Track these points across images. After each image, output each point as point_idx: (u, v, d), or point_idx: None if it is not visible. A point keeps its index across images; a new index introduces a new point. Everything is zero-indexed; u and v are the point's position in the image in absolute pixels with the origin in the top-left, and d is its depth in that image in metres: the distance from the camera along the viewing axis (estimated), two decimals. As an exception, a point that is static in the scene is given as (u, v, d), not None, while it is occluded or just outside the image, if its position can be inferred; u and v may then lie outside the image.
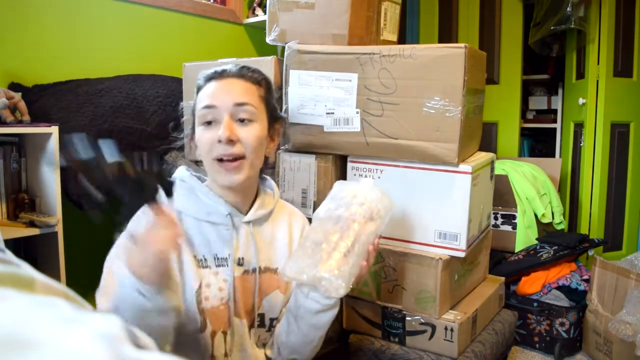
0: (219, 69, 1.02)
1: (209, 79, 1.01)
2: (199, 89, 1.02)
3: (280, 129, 1.09)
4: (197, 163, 1.07)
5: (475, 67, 1.28)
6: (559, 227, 2.38)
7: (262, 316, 1.03)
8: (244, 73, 1.01)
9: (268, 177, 1.13)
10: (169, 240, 0.78)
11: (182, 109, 1.12)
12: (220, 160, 0.95)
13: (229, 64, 1.04)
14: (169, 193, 0.79)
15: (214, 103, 0.96)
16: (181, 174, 1.04)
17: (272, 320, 1.05)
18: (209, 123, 0.96)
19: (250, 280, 1.01)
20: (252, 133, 0.97)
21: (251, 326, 1.02)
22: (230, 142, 0.94)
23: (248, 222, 1.02)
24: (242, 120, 0.96)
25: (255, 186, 1.05)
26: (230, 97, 0.97)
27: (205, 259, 0.97)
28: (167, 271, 0.81)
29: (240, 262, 1.00)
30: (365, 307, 1.40)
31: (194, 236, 0.98)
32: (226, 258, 0.98)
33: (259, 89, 1.01)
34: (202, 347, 0.95)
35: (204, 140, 0.96)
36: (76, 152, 0.71)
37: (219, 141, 0.94)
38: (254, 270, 1.01)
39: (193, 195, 1.00)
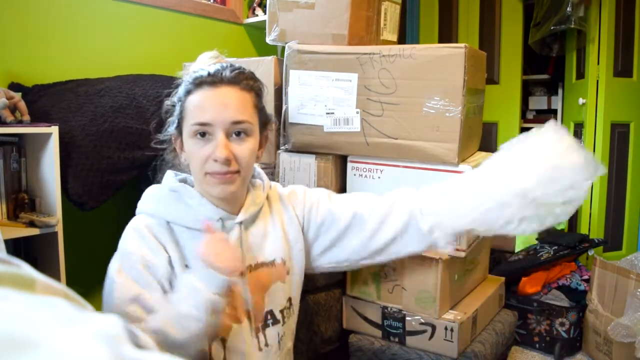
0: (212, 70, 0.92)
1: (201, 83, 0.91)
2: (188, 91, 0.93)
3: (268, 133, 1.04)
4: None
5: (475, 67, 1.28)
6: (559, 227, 2.38)
7: (271, 313, 1.01)
8: (239, 79, 0.93)
9: (255, 166, 1.07)
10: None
11: (171, 106, 1.00)
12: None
13: (225, 64, 0.96)
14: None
15: (208, 120, 0.89)
16: (170, 184, 0.98)
17: (281, 312, 1.03)
18: (202, 135, 0.90)
19: (246, 282, 0.98)
20: (247, 148, 0.92)
21: (265, 327, 0.99)
22: (227, 161, 0.89)
23: (240, 223, 0.98)
24: (237, 134, 0.91)
25: (245, 188, 1.01)
26: (227, 113, 0.89)
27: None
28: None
29: None
30: (365, 307, 1.40)
31: (185, 246, 0.94)
32: None
33: (253, 98, 0.95)
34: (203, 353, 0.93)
35: (197, 156, 0.90)
36: None
37: (215, 160, 0.89)
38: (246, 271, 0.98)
39: (182, 203, 0.95)
